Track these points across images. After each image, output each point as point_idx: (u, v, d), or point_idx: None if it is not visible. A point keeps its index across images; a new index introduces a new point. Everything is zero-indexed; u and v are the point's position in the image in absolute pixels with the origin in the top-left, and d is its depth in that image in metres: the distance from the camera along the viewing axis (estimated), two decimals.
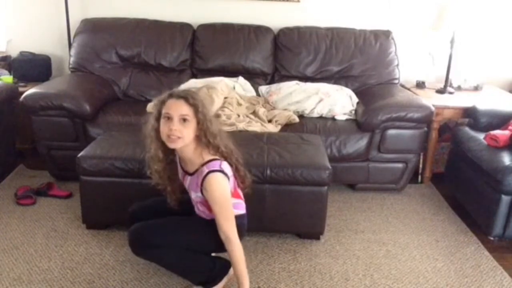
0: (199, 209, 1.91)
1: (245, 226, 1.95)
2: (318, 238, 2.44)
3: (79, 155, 2.31)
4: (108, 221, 2.44)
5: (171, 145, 1.73)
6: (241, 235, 1.88)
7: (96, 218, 2.42)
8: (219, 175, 1.73)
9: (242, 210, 1.91)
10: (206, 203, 1.81)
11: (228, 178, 1.77)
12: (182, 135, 1.69)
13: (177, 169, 1.93)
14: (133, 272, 2.12)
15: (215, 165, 1.74)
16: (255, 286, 2.06)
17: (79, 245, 2.32)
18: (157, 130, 1.76)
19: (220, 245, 1.79)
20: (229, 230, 1.74)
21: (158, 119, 1.75)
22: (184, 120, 1.70)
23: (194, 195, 1.83)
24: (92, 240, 2.36)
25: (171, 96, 1.73)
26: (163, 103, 1.73)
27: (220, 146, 1.78)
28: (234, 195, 1.86)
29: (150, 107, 3.03)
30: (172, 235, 1.82)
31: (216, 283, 1.96)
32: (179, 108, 1.69)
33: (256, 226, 2.31)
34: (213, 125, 1.76)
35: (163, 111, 1.71)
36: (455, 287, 2.12)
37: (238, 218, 1.82)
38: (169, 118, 1.70)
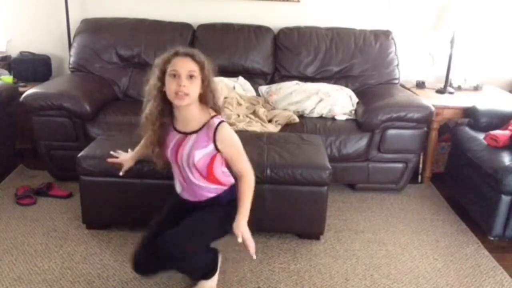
0: (196, 183, 1.85)
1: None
2: (318, 238, 2.44)
3: (79, 155, 2.32)
4: (108, 221, 2.44)
5: (179, 103, 1.72)
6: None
7: (96, 218, 2.42)
8: (227, 125, 1.81)
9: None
10: (210, 163, 1.81)
11: None
12: (189, 92, 1.70)
13: (165, 134, 1.88)
14: (133, 272, 2.10)
15: (221, 119, 1.81)
16: (255, 286, 2.07)
17: (79, 245, 2.32)
18: (159, 90, 1.76)
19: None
20: (249, 167, 1.83)
21: (161, 78, 1.74)
22: (191, 76, 1.71)
23: (199, 154, 1.78)
24: (92, 240, 2.36)
25: (176, 54, 1.73)
26: (168, 61, 1.73)
27: (221, 105, 1.87)
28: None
29: None
30: (206, 236, 1.85)
31: (215, 271, 1.99)
32: (186, 65, 1.71)
33: (256, 226, 2.29)
34: (215, 85, 1.83)
35: (169, 69, 1.71)
36: (455, 287, 2.12)
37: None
38: (175, 76, 1.70)
